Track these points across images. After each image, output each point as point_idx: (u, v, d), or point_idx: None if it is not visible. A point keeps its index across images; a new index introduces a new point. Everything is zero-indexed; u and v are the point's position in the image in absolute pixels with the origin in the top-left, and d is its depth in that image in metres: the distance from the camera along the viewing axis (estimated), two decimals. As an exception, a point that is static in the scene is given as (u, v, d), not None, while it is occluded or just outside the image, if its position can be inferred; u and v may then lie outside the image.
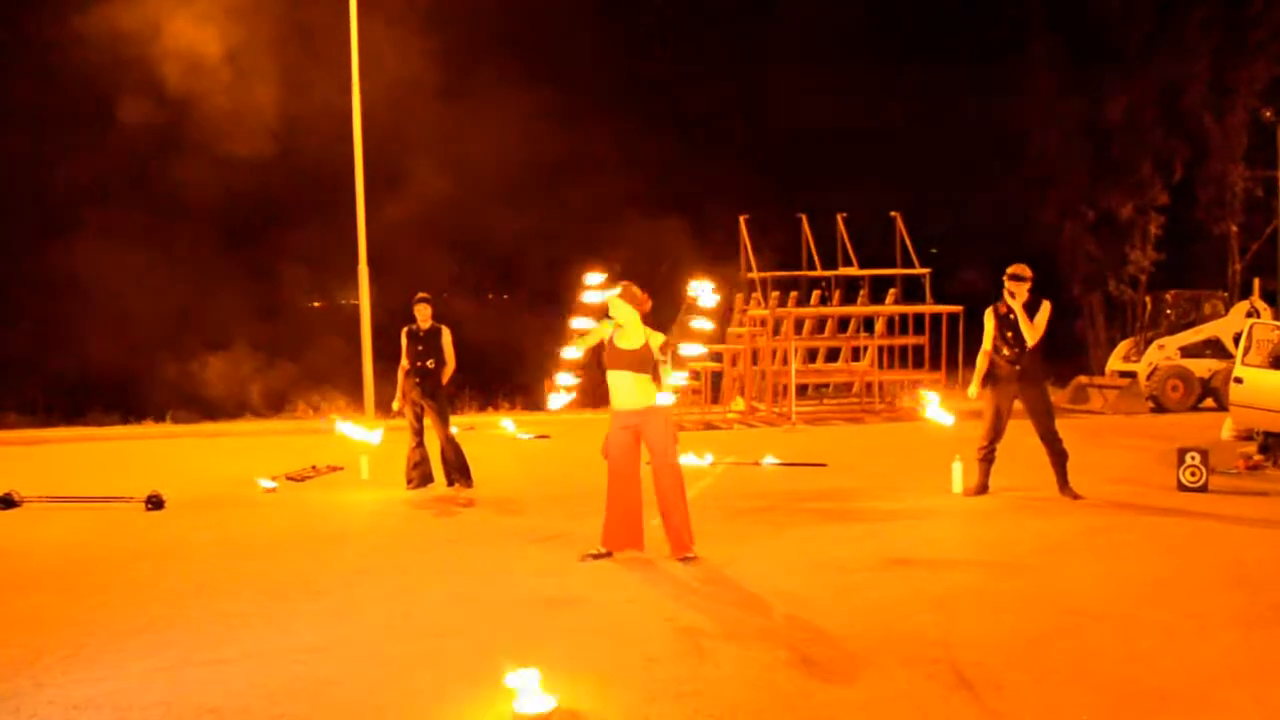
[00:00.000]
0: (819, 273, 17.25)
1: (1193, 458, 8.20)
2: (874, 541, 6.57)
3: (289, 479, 9.83)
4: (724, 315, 17.01)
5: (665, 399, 6.12)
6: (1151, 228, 24.39)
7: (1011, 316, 7.83)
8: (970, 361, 8.65)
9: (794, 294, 17.21)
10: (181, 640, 4.76)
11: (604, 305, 6.17)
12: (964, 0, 28.05)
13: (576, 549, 6.36)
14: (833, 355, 17.97)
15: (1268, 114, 20.85)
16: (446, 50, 22.28)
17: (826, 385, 18.12)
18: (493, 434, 13.80)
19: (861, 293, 17.52)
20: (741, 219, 17.59)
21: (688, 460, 6.17)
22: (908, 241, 17.30)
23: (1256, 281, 17.98)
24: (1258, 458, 9.45)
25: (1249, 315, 15.14)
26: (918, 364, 16.64)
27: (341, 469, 10.40)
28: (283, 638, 4.79)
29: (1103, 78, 23.78)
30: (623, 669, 4.24)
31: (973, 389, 8.13)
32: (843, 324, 17.73)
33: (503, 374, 20.95)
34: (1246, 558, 5.94)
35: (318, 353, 21.93)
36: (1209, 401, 16.08)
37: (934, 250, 21.67)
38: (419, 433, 9.11)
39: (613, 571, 5.92)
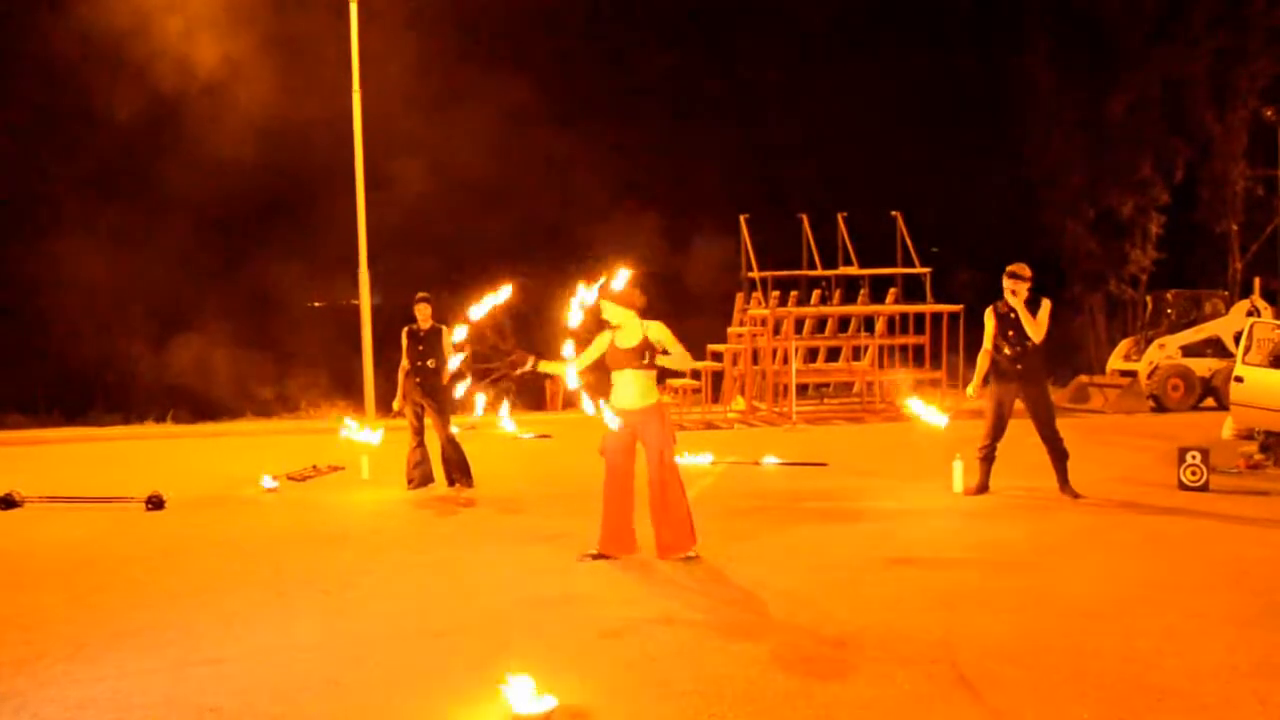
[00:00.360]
0: (819, 272, 17.24)
1: (1193, 457, 8.19)
2: (874, 541, 6.57)
3: (290, 479, 9.83)
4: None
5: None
6: (1152, 227, 24.39)
7: (1012, 315, 7.83)
8: (971, 361, 8.65)
9: (794, 293, 17.20)
10: (182, 640, 4.76)
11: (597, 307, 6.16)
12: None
13: (576, 549, 6.36)
14: (833, 355, 17.97)
15: (1269, 112, 20.80)
16: (441, 50, 22.32)
17: (827, 385, 18.12)
18: (493, 434, 13.79)
19: (862, 292, 17.52)
20: (742, 218, 17.59)
21: (687, 460, 6.16)
22: (908, 240, 17.30)
23: (1257, 280, 17.95)
24: (1258, 457, 9.45)
25: (1250, 314, 15.11)
26: (918, 363, 16.64)
27: (342, 469, 10.40)
28: (283, 637, 4.80)
29: (1104, 76, 23.77)
30: (623, 669, 4.24)
31: (972, 388, 8.14)
32: (843, 323, 17.73)
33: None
34: (1247, 557, 5.94)
35: (318, 352, 21.96)
36: (1210, 401, 16.06)
37: (934, 249, 21.64)
38: (419, 432, 9.11)
39: (612, 571, 5.92)
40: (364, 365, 16.51)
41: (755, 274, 17.18)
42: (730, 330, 17.40)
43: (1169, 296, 17.82)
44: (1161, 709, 3.72)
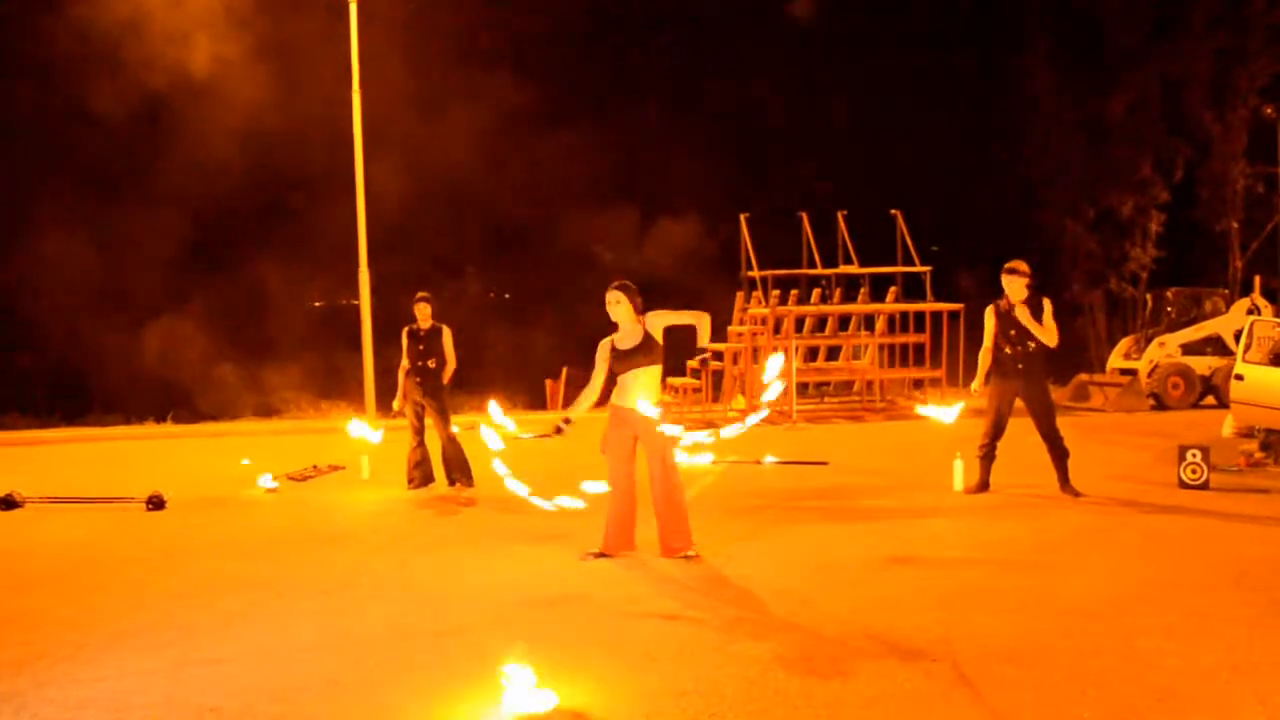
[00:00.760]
0: (819, 271, 17.23)
1: (1194, 455, 8.19)
2: (875, 540, 6.56)
3: (290, 479, 9.82)
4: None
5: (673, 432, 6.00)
6: (1152, 225, 24.36)
7: (1013, 314, 7.83)
8: (971, 359, 8.65)
9: (794, 292, 17.19)
10: (182, 640, 4.76)
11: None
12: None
13: (576, 549, 6.36)
14: (833, 354, 17.96)
15: (1269, 111, 20.80)
16: (441, 49, 22.32)
17: (827, 384, 18.10)
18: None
19: (862, 291, 17.51)
20: (742, 217, 17.58)
21: (686, 460, 6.16)
22: (908, 239, 17.29)
23: (1257, 278, 17.93)
24: (1259, 455, 9.44)
25: (1250, 312, 15.10)
26: (918, 362, 16.63)
27: (343, 469, 10.39)
28: (283, 637, 4.80)
29: (1103, 76, 23.76)
30: (623, 669, 4.24)
31: (975, 385, 8.16)
32: (843, 322, 17.72)
33: (504, 373, 20.97)
34: (1247, 555, 5.94)
35: (318, 352, 21.96)
36: (1210, 399, 16.05)
37: (935, 248, 21.64)
38: (420, 432, 9.10)
39: (613, 571, 5.92)
40: (364, 365, 16.51)
41: (755, 273, 17.18)
42: (730, 329, 17.39)
43: (1169, 295, 17.80)
44: (1161, 709, 3.72)
